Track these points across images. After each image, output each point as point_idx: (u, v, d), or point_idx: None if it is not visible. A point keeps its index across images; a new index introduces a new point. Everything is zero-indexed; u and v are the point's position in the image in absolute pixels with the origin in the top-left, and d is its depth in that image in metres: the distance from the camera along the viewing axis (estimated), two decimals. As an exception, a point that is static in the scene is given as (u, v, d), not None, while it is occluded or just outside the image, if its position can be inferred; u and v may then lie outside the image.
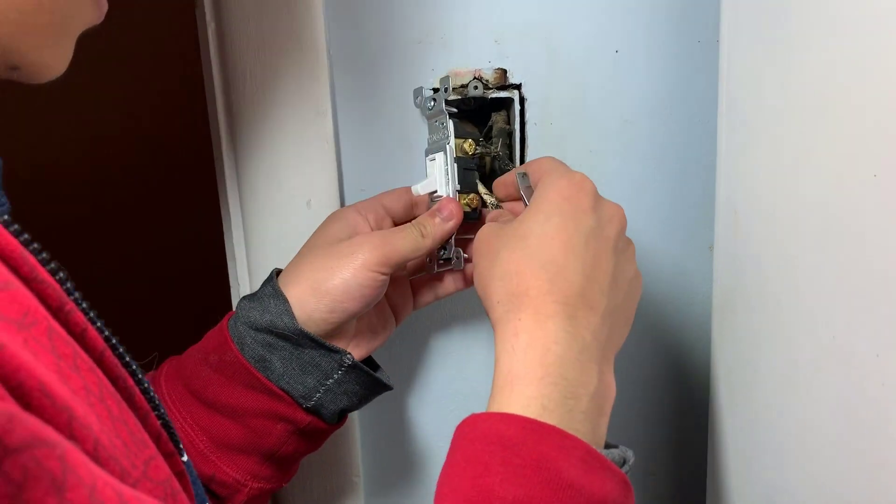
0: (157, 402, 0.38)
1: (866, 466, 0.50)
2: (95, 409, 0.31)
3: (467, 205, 0.64)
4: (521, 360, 0.47)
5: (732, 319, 0.64)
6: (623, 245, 0.54)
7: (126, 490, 0.28)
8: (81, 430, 0.29)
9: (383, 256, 0.57)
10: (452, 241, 0.63)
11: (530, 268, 0.50)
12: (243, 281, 0.71)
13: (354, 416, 0.72)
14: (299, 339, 0.58)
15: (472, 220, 0.65)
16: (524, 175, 0.60)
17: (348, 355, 0.59)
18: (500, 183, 0.64)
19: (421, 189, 0.64)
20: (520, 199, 0.61)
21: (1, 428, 0.23)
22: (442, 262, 0.64)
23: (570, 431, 0.45)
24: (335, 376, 0.59)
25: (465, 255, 0.64)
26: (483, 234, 0.56)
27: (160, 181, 1.85)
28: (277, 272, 0.61)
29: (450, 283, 0.66)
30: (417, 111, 0.68)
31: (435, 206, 0.62)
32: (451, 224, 0.61)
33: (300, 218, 0.67)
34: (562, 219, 0.51)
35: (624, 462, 0.48)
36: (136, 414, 0.35)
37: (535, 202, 0.54)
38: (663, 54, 0.71)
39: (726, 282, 0.64)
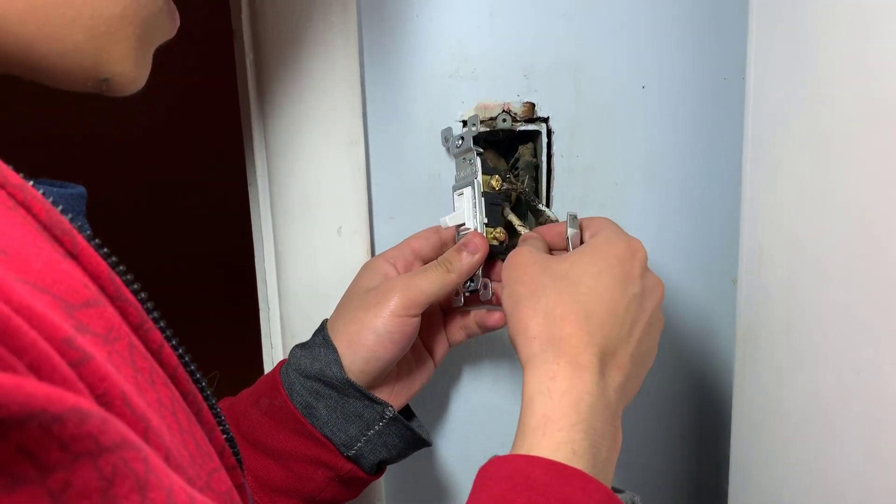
0: (222, 417, 0.40)
1: None
2: (167, 421, 0.33)
3: (494, 238, 0.65)
4: (557, 405, 0.49)
5: (755, 353, 0.64)
6: (655, 319, 0.56)
7: (197, 495, 0.29)
8: (155, 438, 0.30)
9: (409, 300, 0.59)
10: (479, 272, 0.64)
11: (576, 315, 0.52)
12: (273, 306, 0.72)
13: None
14: (345, 388, 0.59)
15: (499, 254, 0.65)
16: (574, 218, 0.61)
17: (389, 408, 0.61)
18: (548, 231, 0.63)
19: (449, 221, 0.65)
20: (563, 247, 0.62)
21: (96, 428, 0.25)
22: (469, 294, 0.65)
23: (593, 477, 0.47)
24: (376, 427, 0.61)
25: (493, 288, 0.64)
26: (520, 258, 0.57)
27: (194, 205, 1.88)
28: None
29: (473, 326, 0.67)
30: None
31: (461, 241, 0.63)
32: (478, 257, 0.62)
33: (331, 245, 0.69)
34: (613, 279, 0.54)
35: None
36: (204, 428, 0.37)
37: (591, 252, 0.55)
38: (689, 90, 0.73)
39: (750, 315, 0.65)
